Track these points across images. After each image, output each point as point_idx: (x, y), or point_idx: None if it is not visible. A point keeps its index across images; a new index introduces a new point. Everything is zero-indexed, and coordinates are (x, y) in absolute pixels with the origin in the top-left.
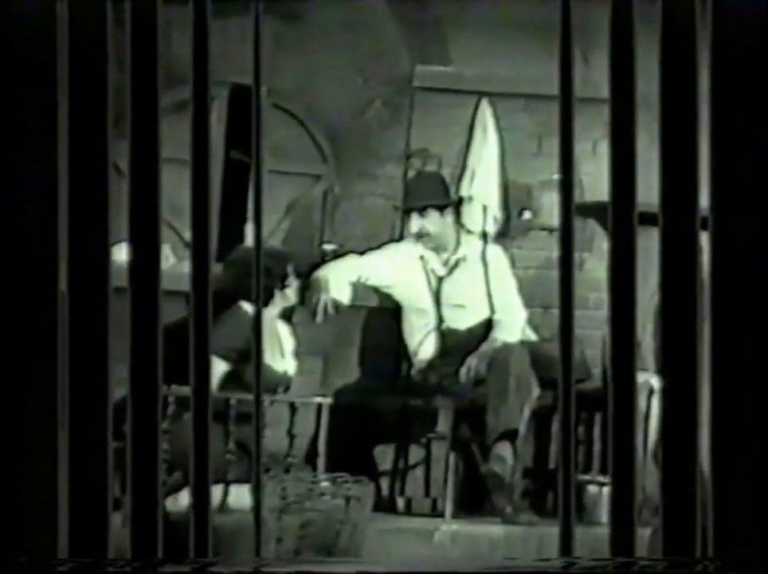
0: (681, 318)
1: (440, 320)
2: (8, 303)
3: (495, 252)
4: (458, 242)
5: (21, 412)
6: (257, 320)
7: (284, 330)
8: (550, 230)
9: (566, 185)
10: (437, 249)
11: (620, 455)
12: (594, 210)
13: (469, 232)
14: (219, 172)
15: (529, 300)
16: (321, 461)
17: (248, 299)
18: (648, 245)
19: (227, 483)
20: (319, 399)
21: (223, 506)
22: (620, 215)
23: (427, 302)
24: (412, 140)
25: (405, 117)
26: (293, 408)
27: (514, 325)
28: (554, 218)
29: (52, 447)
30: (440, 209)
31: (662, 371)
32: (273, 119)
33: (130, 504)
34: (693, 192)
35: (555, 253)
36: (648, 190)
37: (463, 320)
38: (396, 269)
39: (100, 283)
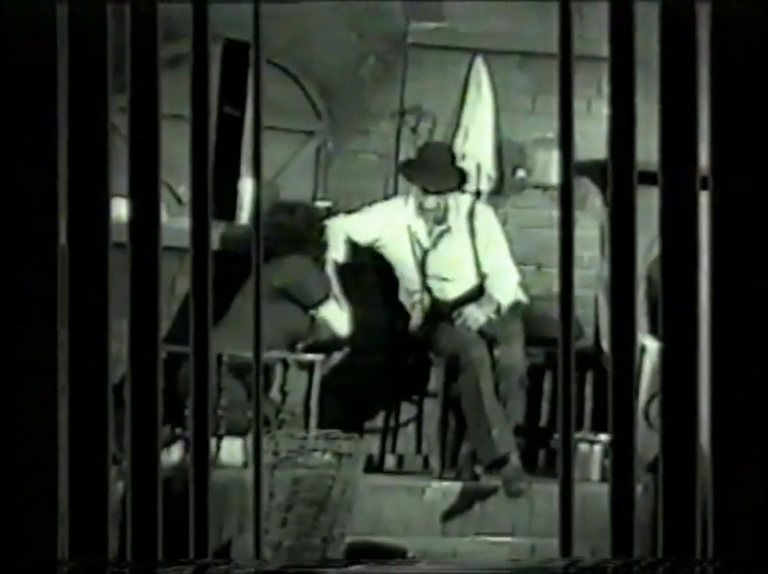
0: (681, 279)
1: (428, 290)
2: (8, 259)
3: (484, 214)
4: (446, 210)
5: (20, 382)
6: (257, 295)
7: None
8: (544, 188)
9: (566, 144)
10: (434, 220)
11: (619, 417)
12: (588, 169)
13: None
14: (212, 128)
15: (522, 259)
16: (313, 418)
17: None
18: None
19: (219, 437)
20: (311, 356)
21: (214, 460)
22: (619, 175)
23: (413, 272)
24: (406, 97)
25: (399, 74)
26: (285, 365)
27: (506, 288)
28: (547, 177)
29: (52, 446)
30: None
31: (662, 335)
32: (267, 74)
33: (130, 499)
34: (693, 152)
35: (548, 211)
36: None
37: (449, 292)
38: (383, 234)
39: (100, 239)
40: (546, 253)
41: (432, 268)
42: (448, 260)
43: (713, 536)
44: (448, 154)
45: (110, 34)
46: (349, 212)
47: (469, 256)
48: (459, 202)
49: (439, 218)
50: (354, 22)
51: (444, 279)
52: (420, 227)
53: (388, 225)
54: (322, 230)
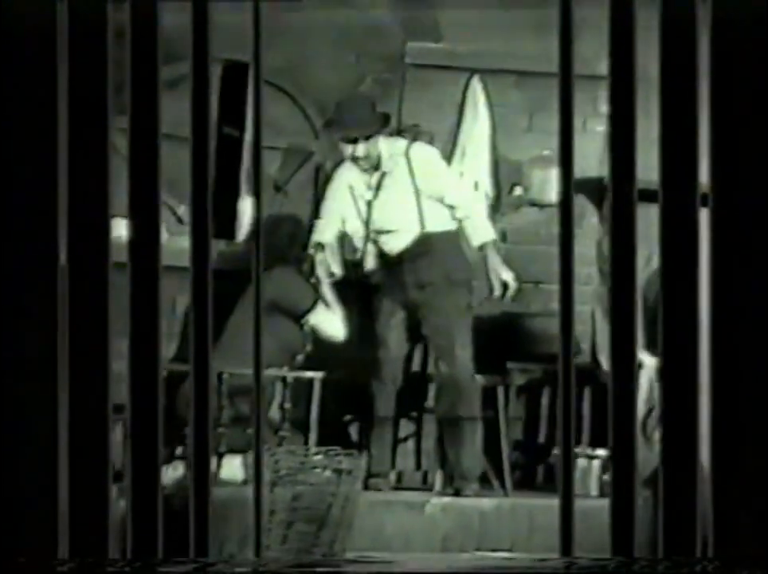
0: (681, 296)
1: (374, 242)
2: (9, 278)
3: (421, 154)
4: (379, 156)
5: (20, 395)
6: (257, 299)
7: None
8: (541, 206)
9: (566, 162)
10: (369, 168)
11: (619, 432)
12: (584, 186)
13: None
14: (212, 148)
15: (520, 276)
16: (313, 435)
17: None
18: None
19: (219, 455)
20: (310, 373)
21: (215, 479)
22: (620, 193)
23: (360, 228)
24: (403, 117)
25: (397, 94)
26: (285, 382)
27: (481, 221)
28: (544, 194)
29: (52, 447)
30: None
31: (662, 351)
32: (265, 95)
33: (130, 500)
34: (693, 169)
35: (545, 228)
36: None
37: (395, 243)
38: (343, 213)
39: (100, 258)
40: (544, 269)
41: (377, 218)
42: (392, 206)
43: (713, 536)
44: (365, 101)
45: (110, 34)
46: (315, 220)
47: (412, 198)
48: (393, 148)
49: (373, 165)
50: (351, 43)
51: (389, 231)
52: (359, 181)
53: (339, 200)
54: (305, 246)
